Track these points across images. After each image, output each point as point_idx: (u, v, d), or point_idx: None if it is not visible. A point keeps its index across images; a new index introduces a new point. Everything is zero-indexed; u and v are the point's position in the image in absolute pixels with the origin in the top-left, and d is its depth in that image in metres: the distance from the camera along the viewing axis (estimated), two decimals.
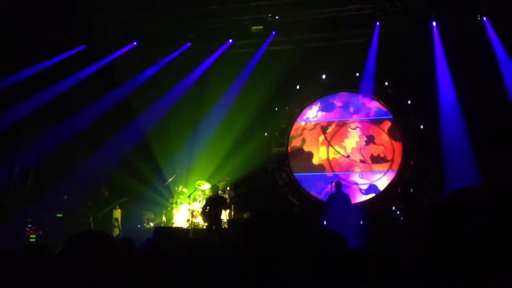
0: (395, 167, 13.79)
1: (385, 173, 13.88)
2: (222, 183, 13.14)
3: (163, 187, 13.97)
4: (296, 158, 14.71)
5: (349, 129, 14.43)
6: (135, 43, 14.17)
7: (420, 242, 1.11)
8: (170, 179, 13.90)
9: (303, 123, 14.91)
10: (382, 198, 13.62)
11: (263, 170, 14.17)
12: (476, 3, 12.17)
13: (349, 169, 14.17)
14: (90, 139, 13.35)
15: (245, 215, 12.86)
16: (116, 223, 12.52)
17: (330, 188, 12.35)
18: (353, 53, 13.39)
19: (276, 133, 14.85)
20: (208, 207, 11.47)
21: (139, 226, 13.55)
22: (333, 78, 14.61)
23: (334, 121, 14.63)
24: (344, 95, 14.70)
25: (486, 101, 11.65)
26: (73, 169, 12.82)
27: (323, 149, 14.52)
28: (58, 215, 12.36)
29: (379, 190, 13.78)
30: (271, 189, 14.17)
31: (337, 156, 14.35)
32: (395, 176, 13.69)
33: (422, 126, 13.62)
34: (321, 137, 14.62)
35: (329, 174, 14.19)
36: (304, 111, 14.91)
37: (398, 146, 13.94)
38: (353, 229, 11.66)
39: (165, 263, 3.50)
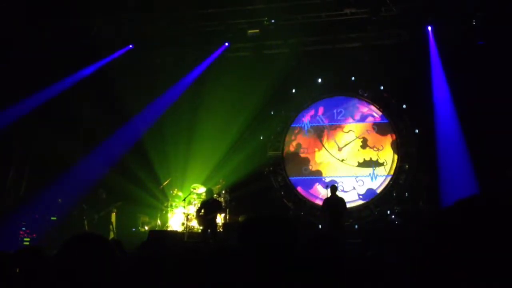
0: (390, 171, 13.83)
1: (380, 177, 13.90)
2: (217, 187, 13.10)
3: (158, 190, 13.92)
4: (291, 161, 14.71)
5: (344, 133, 14.44)
6: (131, 46, 14.14)
7: (428, 250, 1.08)
8: (165, 182, 13.84)
9: (298, 127, 14.92)
10: (378, 202, 13.65)
11: (258, 173, 14.16)
12: (471, 7, 12.21)
13: (344, 173, 14.17)
14: (85, 141, 13.29)
15: (241, 219, 12.82)
16: (111, 227, 12.49)
17: (325, 192, 12.36)
18: (349, 57, 13.44)
19: (272, 137, 14.84)
20: (203, 211, 11.43)
21: (134, 229, 13.49)
22: (329, 81, 14.65)
23: (330, 124, 14.65)
24: (339, 99, 14.71)
25: (481, 105, 11.69)
26: (67, 172, 12.76)
27: (318, 153, 14.52)
28: (53, 218, 12.30)
29: (374, 194, 13.80)
30: (266, 193, 14.15)
31: (333, 160, 14.36)
32: (390, 180, 13.72)
33: (417, 130, 13.67)
34: (317, 141, 14.62)
35: (324, 178, 14.20)
36: (300, 115, 14.91)
37: (393, 150, 13.98)
38: (348, 232, 11.70)
39: (159, 267, 3.49)
